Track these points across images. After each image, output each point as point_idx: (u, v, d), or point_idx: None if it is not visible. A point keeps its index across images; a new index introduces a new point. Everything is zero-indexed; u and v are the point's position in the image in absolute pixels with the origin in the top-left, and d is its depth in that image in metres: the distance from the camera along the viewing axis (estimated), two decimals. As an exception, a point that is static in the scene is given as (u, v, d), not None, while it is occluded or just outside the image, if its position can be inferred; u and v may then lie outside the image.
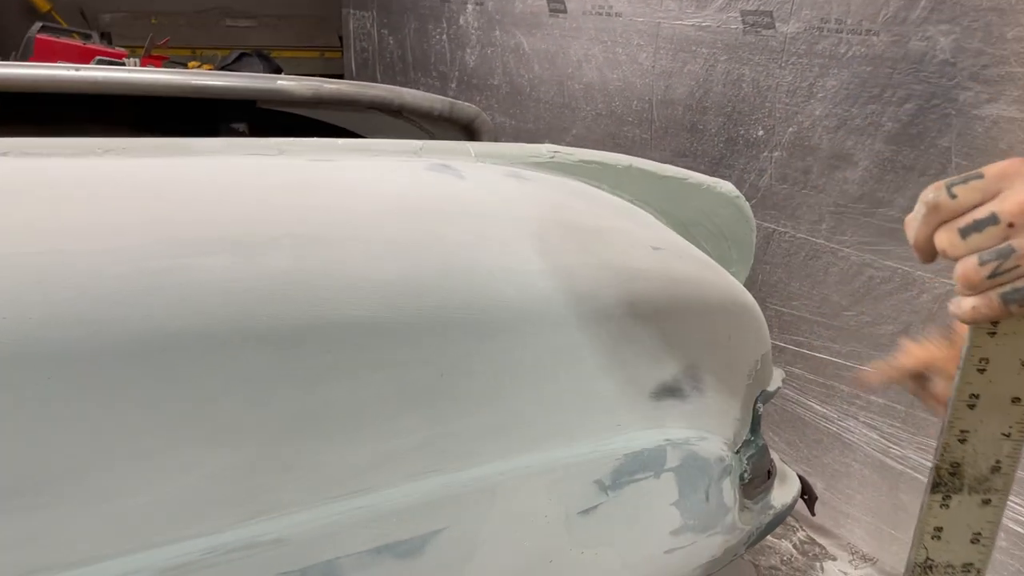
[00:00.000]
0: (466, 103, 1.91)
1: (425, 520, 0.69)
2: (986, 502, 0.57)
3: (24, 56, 4.32)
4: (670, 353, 0.85)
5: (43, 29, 4.52)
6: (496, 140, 1.96)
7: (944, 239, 0.43)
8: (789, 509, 1.13)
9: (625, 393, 0.82)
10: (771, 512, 1.07)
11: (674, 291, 0.86)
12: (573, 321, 0.77)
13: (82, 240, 0.56)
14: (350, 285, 0.66)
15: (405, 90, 1.80)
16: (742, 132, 2.05)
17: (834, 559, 1.90)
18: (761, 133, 1.99)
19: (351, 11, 4.59)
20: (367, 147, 0.91)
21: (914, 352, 0.69)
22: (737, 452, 0.96)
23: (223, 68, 5.05)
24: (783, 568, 1.86)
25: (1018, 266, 0.40)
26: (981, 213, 0.41)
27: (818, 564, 1.88)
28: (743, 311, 0.95)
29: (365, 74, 4.61)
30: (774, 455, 1.21)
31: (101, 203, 0.60)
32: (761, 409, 0.99)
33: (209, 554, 0.58)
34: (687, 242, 1.06)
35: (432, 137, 1.91)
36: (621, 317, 0.80)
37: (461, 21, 3.35)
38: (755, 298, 1.03)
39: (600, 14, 2.49)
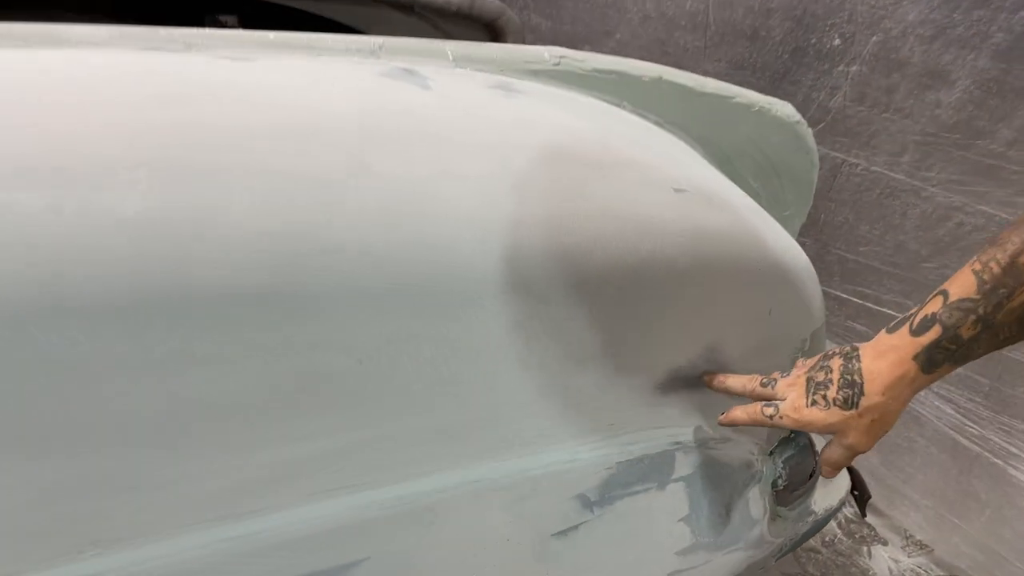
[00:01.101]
0: (492, -1, 1.69)
1: (337, 549, 0.55)
2: None
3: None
4: (687, 331, 0.68)
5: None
6: (523, 43, 1.74)
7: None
8: (834, 513, 0.97)
9: (621, 384, 0.65)
10: (810, 519, 0.91)
11: (698, 248, 0.68)
12: (557, 290, 0.60)
13: None
14: (231, 238, 0.50)
15: (417, -20, 1.60)
16: (813, 41, 1.79)
17: (884, 543, 1.74)
18: (837, 42, 1.74)
19: None
20: (310, 43, 0.74)
21: (809, 416, 0.63)
22: (771, 454, 0.79)
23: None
24: (824, 551, 1.71)
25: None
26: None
27: (865, 548, 1.73)
28: (791, 276, 0.76)
29: (395, -34, 4.33)
30: (820, 442, 1.04)
31: None
32: (806, 400, 0.81)
33: (14, 603, 0.45)
34: (726, 180, 0.86)
35: (448, 39, 1.70)
36: (622, 284, 0.63)
37: (498, -96, 3.05)
38: (816, 241, 0.84)
39: None
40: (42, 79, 0.52)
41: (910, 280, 1.69)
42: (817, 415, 0.61)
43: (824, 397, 0.61)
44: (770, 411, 0.64)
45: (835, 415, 0.61)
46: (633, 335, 0.64)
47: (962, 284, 0.56)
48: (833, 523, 1.78)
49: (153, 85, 0.57)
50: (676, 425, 0.70)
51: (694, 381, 0.70)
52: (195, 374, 0.48)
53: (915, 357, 0.58)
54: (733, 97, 0.96)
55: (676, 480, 0.70)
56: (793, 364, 0.80)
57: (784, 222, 1.02)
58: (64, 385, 0.45)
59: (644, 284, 0.64)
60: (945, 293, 0.57)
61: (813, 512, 0.91)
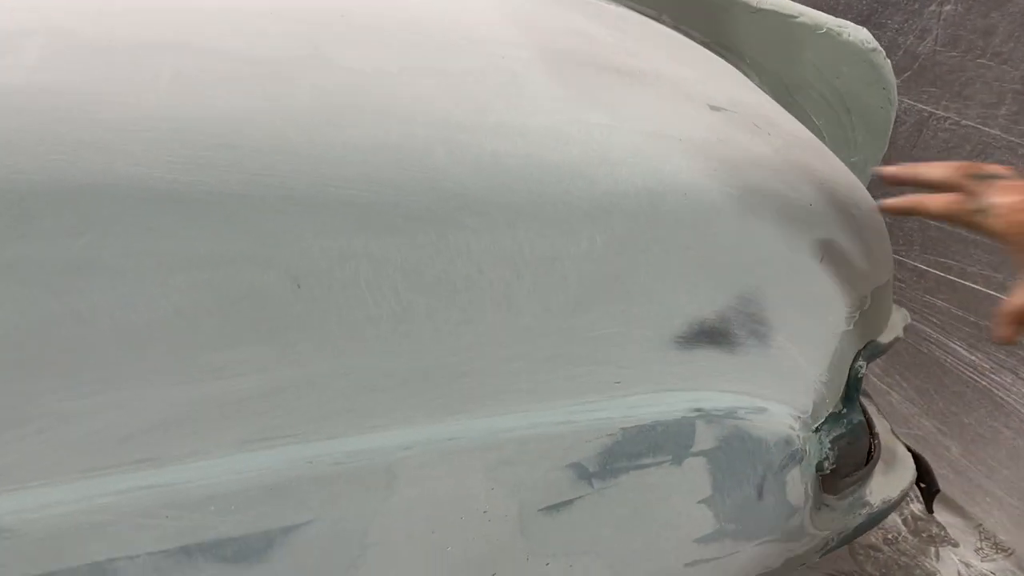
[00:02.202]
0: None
1: (275, 508, 0.49)
2: None
3: None
4: (715, 276, 0.59)
5: None
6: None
7: None
8: (894, 506, 0.87)
9: (632, 334, 0.56)
10: (864, 512, 0.81)
11: (734, 176, 0.59)
12: (552, 215, 0.52)
13: None
14: (145, 123, 0.43)
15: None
16: (904, -23, 1.64)
17: (955, 545, 1.62)
18: (931, -22, 1.59)
19: None
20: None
21: None
22: (817, 431, 0.70)
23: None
24: (885, 549, 1.60)
25: None
26: None
27: (932, 549, 1.61)
28: (850, 220, 0.66)
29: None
30: (882, 424, 0.94)
31: None
32: (863, 369, 0.71)
33: None
34: (780, 107, 0.76)
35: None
36: (636, 213, 0.54)
37: None
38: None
39: None
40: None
41: (999, 250, 1.55)
42: None
43: None
44: (972, 206, 0.57)
45: None
46: (646, 275, 0.55)
47: None
48: (898, 518, 1.66)
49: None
50: (698, 389, 0.60)
51: (722, 336, 0.60)
52: (95, 287, 0.42)
53: None
54: (796, 16, 0.85)
55: (696, 454, 0.61)
56: (850, 324, 0.70)
57: (852, 169, 0.91)
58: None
59: (662, 213, 0.55)
60: None
61: (868, 503, 0.81)
